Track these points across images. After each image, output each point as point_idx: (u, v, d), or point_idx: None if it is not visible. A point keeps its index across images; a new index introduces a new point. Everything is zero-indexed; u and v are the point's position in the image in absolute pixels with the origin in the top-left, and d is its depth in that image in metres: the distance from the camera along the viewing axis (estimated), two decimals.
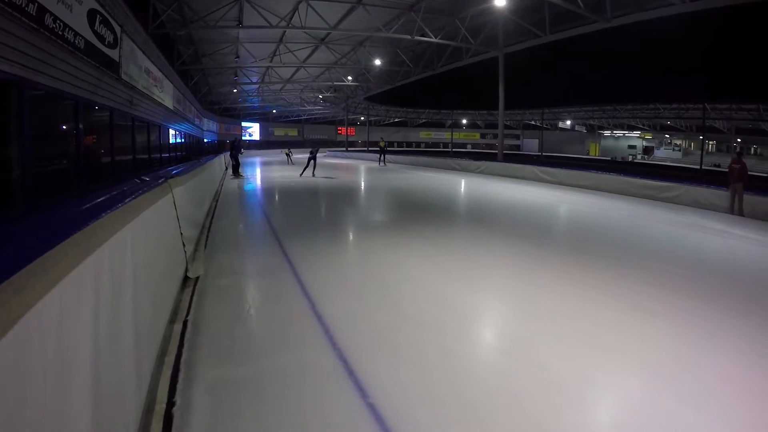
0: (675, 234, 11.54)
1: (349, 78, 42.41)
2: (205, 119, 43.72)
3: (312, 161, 23.03)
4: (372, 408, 3.25)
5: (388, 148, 36.65)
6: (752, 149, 52.40)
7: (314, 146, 25.13)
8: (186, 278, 6.02)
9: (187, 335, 4.41)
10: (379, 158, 35.65)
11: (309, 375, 3.75)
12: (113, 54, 11.80)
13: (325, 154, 44.76)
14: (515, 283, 6.69)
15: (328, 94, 53.87)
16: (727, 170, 15.46)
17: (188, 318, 4.82)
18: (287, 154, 38.15)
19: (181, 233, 6.06)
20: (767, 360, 4.42)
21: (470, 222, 12.79)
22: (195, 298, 5.44)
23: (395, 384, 3.61)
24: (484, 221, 12.12)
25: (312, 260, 7.21)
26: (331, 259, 7.41)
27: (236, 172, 23.17)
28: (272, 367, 3.86)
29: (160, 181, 5.63)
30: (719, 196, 15.32)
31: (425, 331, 4.67)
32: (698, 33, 43.18)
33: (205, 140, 42.94)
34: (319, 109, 64.81)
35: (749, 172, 15.20)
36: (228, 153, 24.86)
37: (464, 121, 79.27)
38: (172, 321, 4.65)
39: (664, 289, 6.38)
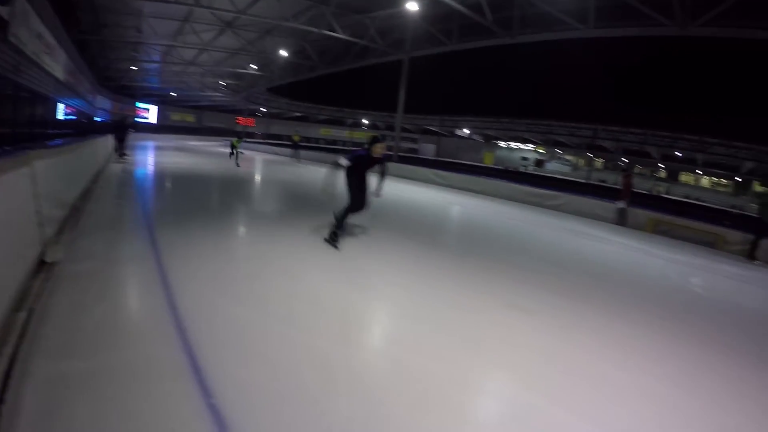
0: (557, 238, 12.34)
1: (254, 67, 41.52)
2: (99, 96, 41.04)
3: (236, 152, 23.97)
4: (213, 409, 3.06)
5: (301, 143, 35.93)
6: (636, 169, 55.79)
7: (239, 135, 25.78)
8: (43, 262, 5.43)
9: (31, 325, 3.96)
10: (292, 153, 34.75)
11: (153, 372, 3.47)
12: (2, 11, 10.70)
13: (221, 142, 43.49)
14: (396, 281, 6.63)
15: (230, 81, 52.37)
16: (620, 186, 16.88)
17: (35, 306, 4.33)
18: (234, 149, 25.24)
19: (38, 212, 5.48)
20: (633, 356, 4.82)
21: (357, 218, 12.78)
22: (49, 284, 4.92)
23: (243, 383, 3.43)
24: (373, 219, 12.15)
25: (184, 251, 6.80)
26: (205, 251, 7.00)
27: (122, 154, 21.63)
28: (115, 363, 3.53)
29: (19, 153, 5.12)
30: (603, 206, 16.54)
31: (290, 329, 4.49)
32: (598, 58, 45.16)
33: (98, 119, 40.21)
34: (220, 97, 62.80)
35: (633, 189, 16.60)
36: (117, 134, 22.95)
37: (365, 121, 79.59)
38: (16, 309, 4.14)
39: (539, 289, 6.82)
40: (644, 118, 48.29)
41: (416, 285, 6.46)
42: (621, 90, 52.43)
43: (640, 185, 40.17)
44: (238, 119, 71.23)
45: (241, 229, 9.54)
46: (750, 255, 13.18)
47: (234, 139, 25.62)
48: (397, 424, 3.14)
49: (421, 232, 11.10)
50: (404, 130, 60.78)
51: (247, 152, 35.22)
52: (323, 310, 5.05)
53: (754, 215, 14.12)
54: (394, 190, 19.00)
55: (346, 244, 8.25)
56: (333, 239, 7.75)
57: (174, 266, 5.91)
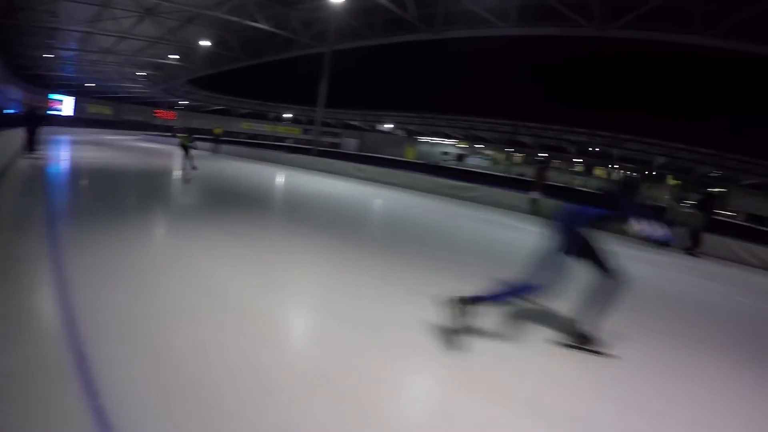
0: (471, 228, 12.90)
1: (174, 57, 40.53)
2: (11, 86, 38.79)
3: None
4: (97, 411, 2.87)
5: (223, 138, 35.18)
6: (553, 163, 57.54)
7: (188, 132, 20.28)
8: None
9: None
10: (212, 147, 33.85)
11: (39, 374, 3.23)
12: None
13: (140, 137, 41.75)
14: (305, 272, 6.72)
15: (149, 72, 50.77)
16: (533, 178, 17.45)
17: None
18: (185, 147, 18.78)
19: None
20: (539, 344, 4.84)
21: (276, 212, 12.86)
22: None
23: (132, 382, 3.24)
24: (292, 212, 12.15)
25: (86, 247, 6.41)
26: (109, 246, 6.62)
27: (32, 149, 20.25)
28: None
29: None
30: (518, 198, 17.07)
31: (193, 324, 4.32)
32: (520, 56, 46.07)
33: (8, 111, 37.78)
34: (139, 88, 60.68)
35: (547, 181, 17.09)
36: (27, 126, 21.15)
37: (288, 115, 78.96)
38: None
39: (446, 277, 6.85)
40: (563, 115, 49.92)
41: (327, 278, 6.48)
42: (541, 88, 53.72)
43: (558, 179, 42.41)
44: (156, 112, 69.39)
45: (154, 226, 9.23)
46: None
47: (183, 136, 19.54)
48: (304, 421, 3.05)
49: (339, 225, 11.05)
50: (327, 124, 60.63)
51: (162, 146, 34.12)
52: (228, 306, 4.86)
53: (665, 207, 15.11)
54: (315, 184, 19.02)
55: (260, 240, 8.27)
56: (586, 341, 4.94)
57: (74, 264, 5.65)
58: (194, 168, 17.58)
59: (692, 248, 14.09)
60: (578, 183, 47.41)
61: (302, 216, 11.95)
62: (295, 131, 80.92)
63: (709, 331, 6.65)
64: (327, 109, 29.12)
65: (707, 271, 12.13)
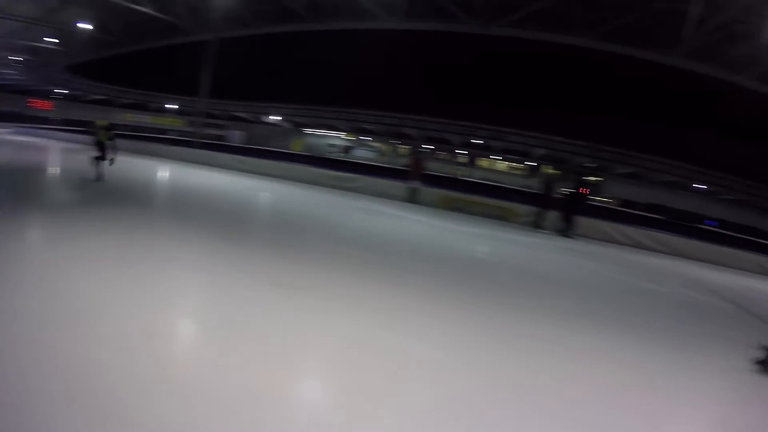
0: (348, 217, 13.02)
1: (52, 40, 38.24)
2: None
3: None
4: None
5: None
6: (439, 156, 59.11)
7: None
8: None
9: None
10: (94, 140, 31.31)
11: None
12: None
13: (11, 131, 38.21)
14: (167, 270, 6.05)
15: (25, 57, 47.04)
16: (408, 168, 18.23)
17: None
18: (99, 146, 14.01)
19: None
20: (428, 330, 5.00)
21: (146, 206, 11.59)
22: None
23: None
24: (166, 206, 11.76)
25: None
26: None
27: None
28: None
29: None
30: (398, 187, 17.66)
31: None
32: (407, 50, 46.70)
33: None
34: (13, 75, 56.75)
35: (424, 170, 17.96)
36: None
37: (172, 106, 76.39)
38: None
39: (312, 267, 6.77)
40: (448, 109, 51.30)
41: (186, 272, 6.04)
42: (427, 81, 54.67)
43: (442, 169, 43.97)
44: (30, 101, 65.17)
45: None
46: (536, 224, 15.38)
47: (101, 132, 14.09)
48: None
49: (213, 218, 10.49)
50: (212, 116, 59.20)
51: (39, 140, 31.70)
52: (76, 307, 4.27)
53: (539, 192, 16.19)
54: (194, 177, 18.24)
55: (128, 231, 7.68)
56: None
57: None
58: (111, 162, 13.64)
59: (566, 230, 15.20)
60: (461, 173, 49.29)
61: (173, 208, 11.57)
62: (179, 123, 78.25)
63: (577, 303, 7.44)
64: (212, 100, 28.55)
65: (579, 251, 13.14)
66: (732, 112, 38.04)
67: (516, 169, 56.53)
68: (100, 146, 13.71)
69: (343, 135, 66.38)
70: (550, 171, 50.89)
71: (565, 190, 16.24)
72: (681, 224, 32.94)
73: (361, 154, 61.01)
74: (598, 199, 48.48)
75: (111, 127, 14.66)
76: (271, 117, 66.89)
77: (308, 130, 68.34)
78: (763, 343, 5.32)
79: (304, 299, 5.21)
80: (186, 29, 29.81)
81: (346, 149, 64.88)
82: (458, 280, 7.49)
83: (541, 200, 15.82)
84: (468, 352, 4.51)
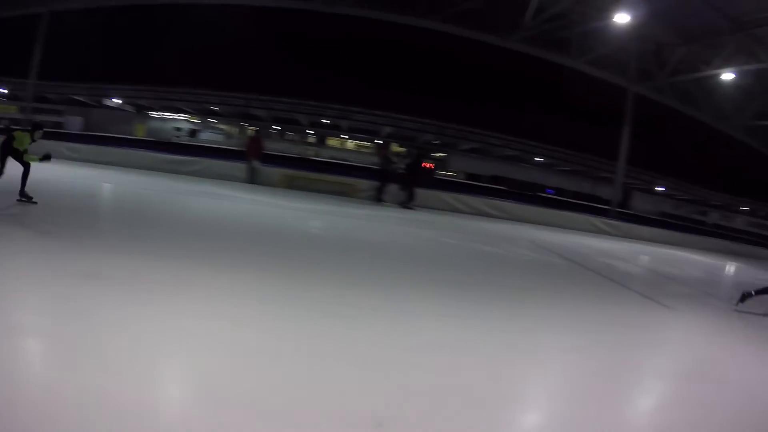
0: (180, 201, 12.43)
1: None
2: None
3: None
4: None
5: None
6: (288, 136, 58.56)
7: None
8: None
9: None
10: None
11: None
12: None
13: None
14: None
15: None
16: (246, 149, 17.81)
17: None
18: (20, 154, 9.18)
19: None
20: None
21: None
22: None
23: None
24: None
25: None
26: None
27: None
28: None
29: None
30: (239, 168, 17.12)
31: None
32: (257, 27, 45.46)
33: None
34: None
35: (263, 150, 17.86)
36: None
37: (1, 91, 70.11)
38: None
39: (120, 255, 6.21)
40: (296, 87, 50.67)
41: None
42: (275, 61, 53.65)
43: (292, 150, 43.26)
44: None
45: None
46: (377, 198, 15.44)
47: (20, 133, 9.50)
48: None
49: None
50: (46, 100, 55.04)
51: None
52: None
53: (379, 167, 16.29)
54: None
55: None
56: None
57: None
58: None
59: (407, 202, 15.42)
60: (311, 153, 49.20)
61: None
62: (13, 109, 71.59)
63: (415, 269, 7.60)
64: (46, 81, 26.18)
65: (419, 221, 13.39)
66: (567, 92, 40.82)
67: (364, 147, 57.05)
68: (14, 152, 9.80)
69: (189, 118, 64.01)
70: (389, 146, 52.13)
71: (405, 165, 16.52)
72: (522, 193, 35.29)
73: (208, 137, 59.23)
74: (444, 174, 50.43)
75: None
76: (113, 100, 63.04)
77: (153, 114, 65.13)
78: None
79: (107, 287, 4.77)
80: (12, 1, 26.81)
81: (193, 132, 62.67)
82: (272, 254, 7.31)
83: (381, 175, 15.95)
84: (280, 324, 4.48)
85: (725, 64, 21.05)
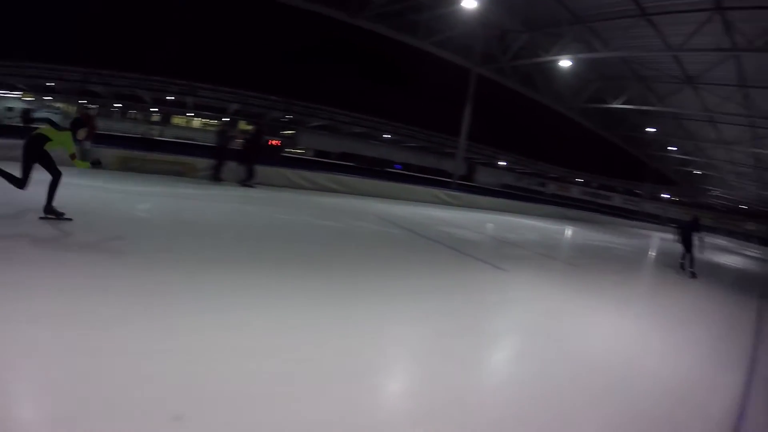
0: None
1: None
2: None
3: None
4: None
5: None
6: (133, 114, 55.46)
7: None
8: None
9: None
10: None
11: None
12: None
13: None
14: None
15: None
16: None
17: None
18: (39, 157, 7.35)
19: None
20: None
21: None
22: None
23: None
24: None
25: None
26: None
27: None
28: None
29: None
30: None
31: None
32: None
33: None
34: None
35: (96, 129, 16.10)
36: None
37: None
38: None
39: None
40: (138, 62, 47.64)
41: None
42: (113, 32, 50.22)
43: (134, 129, 40.92)
44: None
45: None
46: (215, 177, 14.64)
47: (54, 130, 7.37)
48: None
49: None
50: None
51: None
52: None
53: (216, 145, 15.39)
54: None
55: None
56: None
57: None
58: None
59: (247, 180, 14.84)
60: (155, 132, 46.78)
61: None
62: None
63: (240, 246, 7.39)
64: None
65: (258, 198, 12.97)
66: (415, 72, 41.86)
67: (211, 125, 55.01)
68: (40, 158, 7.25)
69: (22, 96, 58.53)
70: (235, 124, 51.01)
71: (243, 141, 15.85)
72: (369, 169, 35.69)
73: (44, 116, 54.59)
74: (293, 151, 50.20)
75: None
76: None
77: None
78: None
79: None
80: None
81: (26, 112, 57.25)
82: (93, 240, 6.51)
83: (218, 152, 15.16)
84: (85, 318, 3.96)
85: (563, 52, 22.18)
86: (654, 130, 37.74)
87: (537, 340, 5.64)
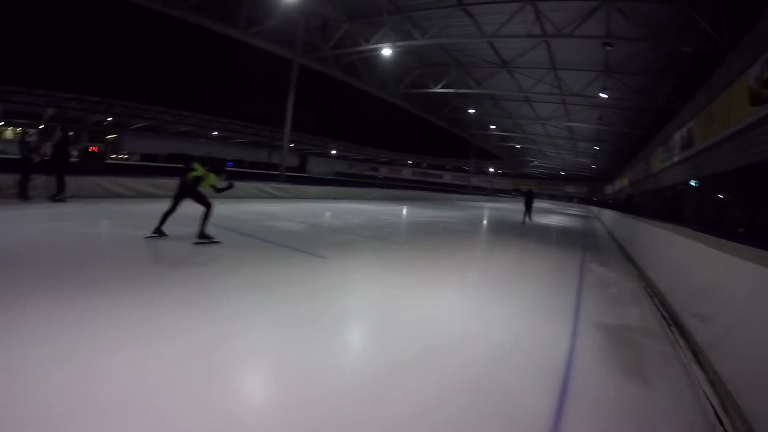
0: None
1: None
2: None
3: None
4: None
5: None
6: None
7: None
8: None
9: None
10: None
11: None
12: None
13: None
14: None
15: None
16: None
17: None
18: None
19: None
20: None
21: None
22: None
23: None
24: None
25: None
26: None
27: None
28: None
29: None
30: None
31: None
32: None
33: None
34: None
35: None
36: None
37: None
38: None
39: None
40: None
41: None
42: None
43: None
44: None
45: None
46: (21, 195, 13.07)
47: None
48: None
49: None
50: None
51: None
52: None
53: (20, 157, 13.64)
54: None
55: None
56: None
57: None
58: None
59: (57, 194, 13.52)
60: None
61: None
62: None
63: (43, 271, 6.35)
64: None
65: (67, 213, 11.85)
66: (238, 65, 40.79)
67: (26, 134, 49.47)
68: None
69: None
70: (26, 132, 46.53)
71: (49, 150, 14.19)
72: None
73: None
74: (117, 157, 46.99)
75: None
76: None
77: None
78: None
79: None
80: None
81: None
82: None
83: (23, 166, 13.42)
84: None
85: (384, 41, 22.47)
86: (474, 111, 40.03)
87: (359, 322, 5.85)
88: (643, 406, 4.16)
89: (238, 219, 13.70)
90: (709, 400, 4.38)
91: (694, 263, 6.74)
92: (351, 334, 5.45)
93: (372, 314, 6.08)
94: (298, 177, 39.19)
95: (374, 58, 27.97)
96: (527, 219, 25.35)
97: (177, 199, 9.10)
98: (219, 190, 9.54)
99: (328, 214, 18.69)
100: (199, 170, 9.10)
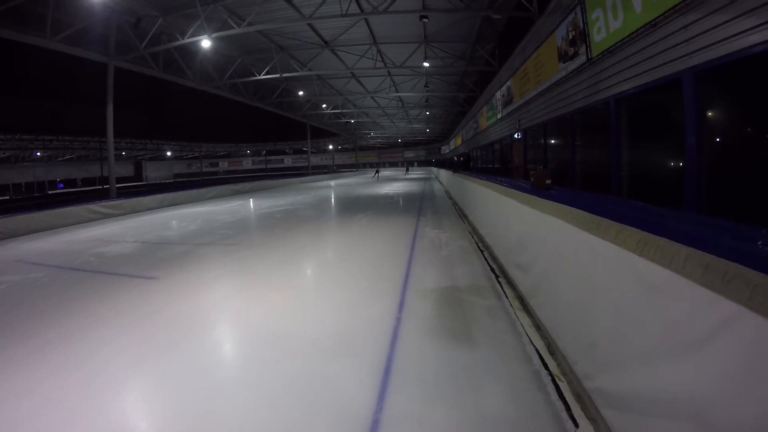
0: None
1: None
2: None
3: None
4: None
5: None
6: None
7: None
8: None
9: None
10: None
11: None
12: None
13: None
14: None
15: None
16: None
17: None
18: None
19: None
20: None
21: None
22: None
23: None
24: None
25: None
26: None
27: None
28: None
29: None
30: None
31: None
32: None
33: None
34: None
35: None
36: None
37: None
38: None
39: None
40: None
41: None
42: None
43: None
44: None
45: None
46: None
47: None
48: None
49: None
50: None
51: None
52: None
53: None
54: None
55: None
56: None
57: None
58: None
59: None
60: None
61: None
62: None
63: None
64: None
65: None
66: (50, 75, 37.59)
67: None
68: None
69: None
70: None
71: None
72: (29, 197, 31.72)
73: None
74: None
75: None
76: None
77: None
78: None
79: None
80: None
81: None
82: None
83: None
84: None
85: (200, 33, 22.01)
86: (303, 93, 40.60)
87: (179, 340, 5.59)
88: (468, 366, 4.46)
89: (67, 252, 12.17)
90: (534, 346, 4.79)
91: (510, 217, 7.30)
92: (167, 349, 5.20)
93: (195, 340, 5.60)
94: (133, 188, 37.49)
95: (195, 52, 27.54)
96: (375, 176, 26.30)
97: None
98: None
99: (161, 225, 17.39)
100: None
